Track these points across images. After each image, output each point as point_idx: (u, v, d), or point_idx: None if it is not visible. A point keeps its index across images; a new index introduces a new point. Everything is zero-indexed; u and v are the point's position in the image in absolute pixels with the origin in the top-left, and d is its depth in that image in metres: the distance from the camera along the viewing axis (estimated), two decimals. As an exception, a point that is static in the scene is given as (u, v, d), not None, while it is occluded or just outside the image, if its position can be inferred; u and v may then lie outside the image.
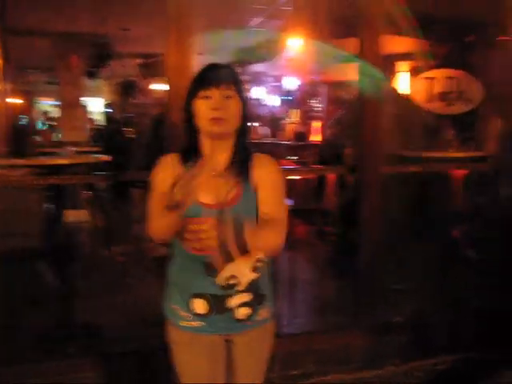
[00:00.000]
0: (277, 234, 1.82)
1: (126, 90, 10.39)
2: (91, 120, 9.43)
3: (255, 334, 1.97)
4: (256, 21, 7.12)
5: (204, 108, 1.81)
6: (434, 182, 4.15)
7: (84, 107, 7.43)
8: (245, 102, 1.88)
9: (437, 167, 3.87)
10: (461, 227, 4.76)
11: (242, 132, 1.90)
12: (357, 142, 3.52)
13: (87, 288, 3.90)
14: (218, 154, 1.86)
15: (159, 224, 1.77)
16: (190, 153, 1.88)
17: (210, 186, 1.81)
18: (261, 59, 7.42)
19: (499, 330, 3.63)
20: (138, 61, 8.78)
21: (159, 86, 10.89)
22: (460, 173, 4.38)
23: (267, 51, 7.44)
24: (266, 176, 1.90)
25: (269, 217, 1.84)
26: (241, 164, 1.88)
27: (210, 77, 1.84)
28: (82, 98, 7.11)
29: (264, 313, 1.96)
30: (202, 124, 1.83)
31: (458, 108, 3.79)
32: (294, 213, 2.26)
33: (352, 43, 3.49)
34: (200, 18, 3.10)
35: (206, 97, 1.81)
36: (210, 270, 1.83)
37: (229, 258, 1.78)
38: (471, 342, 3.58)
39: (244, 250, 1.78)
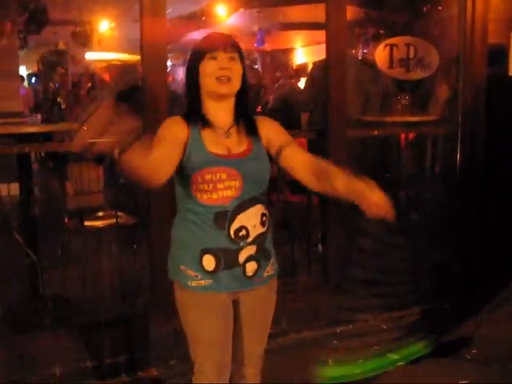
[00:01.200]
0: None
1: (57, 58, 9.99)
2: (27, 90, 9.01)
3: (262, 291, 2.02)
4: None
5: (211, 67, 1.89)
6: (389, 145, 4.34)
7: (20, 77, 7.08)
8: (245, 66, 1.98)
9: (396, 131, 4.05)
10: (407, 190, 5.00)
11: (243, 94, 1.99)
12: (322, 106, 3.64)
13: (52, 260, 3.85)
14: (221, 114, 1.95)
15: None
16: (194, 115, 1.94)
17: (221, 142, 1.92)
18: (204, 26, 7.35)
19: (453, 282, 3.92)
20: (72, 28, 8.43)
21: (92, 55, 10.56)
22: (411, 136, 4.59)
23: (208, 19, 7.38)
24: (274, 131, 2.02)
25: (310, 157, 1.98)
26: (247, 121, 1.99)
27: (215, 40, 1.94)
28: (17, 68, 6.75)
29: (270, 269, 2.01)
30: (209, 83, 1.90)
31: (417, 74, 3.95)
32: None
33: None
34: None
35: (213, 58, 1.89)
36: (220, 222, 1.87)
37: (240, 209, 1.88)
38: (432, 295, 3.85)
39: (256, 199, 1.91)
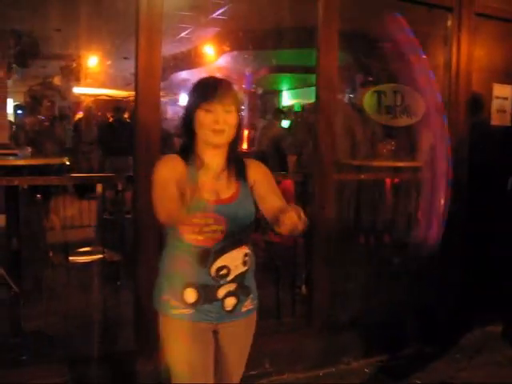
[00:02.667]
0: None
1: (44, 91, 10.04)
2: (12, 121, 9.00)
3: (240, 323, 2.11)
4: (187, 29, 7.17)
5: (207, 120, 1.95)
6: (373, 189, 4.40)
7: (6, 108, 7.08)
8: (240, 115, 2.05)
9: (381, 175, 4.11)
10: (390, 233, 5.05)
11: (236, 141, 2.07)
12: (310, 149, 3.70)
13: (35, 294, 3.79)
14: (214, 159, 2.01)
15: (168, 208, 1.83)
16: (188, 154, 2.02)
17: (211, 187, 1.92)
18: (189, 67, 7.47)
19: (433, 326, 3.94)
20: (61, 63, 8.52)
21: (80, 90, 10.62)
22: (395, 181, 4.66)
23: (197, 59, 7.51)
24: (261, 175, 2.11)
25: (282, 204, 1.98)
26: (236, 167, 2.07)
27: (213, 92, 1.96)
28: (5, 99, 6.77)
29: (249, 304, 2.10)
30: (204, 134, 1.97)
31: (404, 121, 4.05)
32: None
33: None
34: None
35: (209, 110, 1.94)
36: (203, 260, 1.96)
37: (223, 250, 1.97)
38: (413, 338, 3.85)
39: (240, 241, 1.99)
